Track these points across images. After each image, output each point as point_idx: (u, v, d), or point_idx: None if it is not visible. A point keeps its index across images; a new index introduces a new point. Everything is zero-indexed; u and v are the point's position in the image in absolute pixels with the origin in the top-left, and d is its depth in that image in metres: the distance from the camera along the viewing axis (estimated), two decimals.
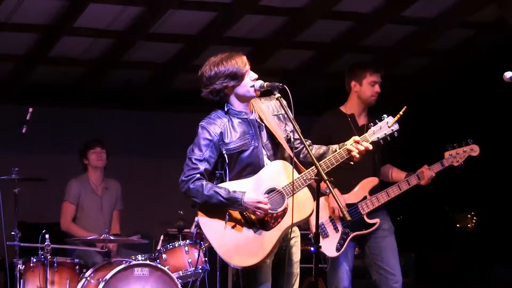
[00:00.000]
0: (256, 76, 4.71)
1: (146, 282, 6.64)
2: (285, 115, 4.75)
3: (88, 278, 6.69)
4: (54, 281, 6.73)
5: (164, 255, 6.87)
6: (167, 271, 6.69)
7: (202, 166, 4.62)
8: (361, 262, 6.31)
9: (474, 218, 9.70)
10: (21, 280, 6.70)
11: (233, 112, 4.71)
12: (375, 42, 8.89)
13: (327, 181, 4.44)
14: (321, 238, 5.85)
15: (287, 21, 8.42)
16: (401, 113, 4.80)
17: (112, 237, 6.96)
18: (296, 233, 4.78)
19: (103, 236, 6.88)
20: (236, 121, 4.69)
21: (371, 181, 5.98)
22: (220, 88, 4.66)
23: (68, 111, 9.72)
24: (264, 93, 4.78)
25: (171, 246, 6.89)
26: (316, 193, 4.52)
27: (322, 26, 8.49)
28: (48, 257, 6.66)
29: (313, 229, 5.88)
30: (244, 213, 4.61)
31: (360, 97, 6.06)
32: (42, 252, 6.70)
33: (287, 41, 8.78)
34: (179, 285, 6.67)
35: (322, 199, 5.87)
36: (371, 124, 4.80)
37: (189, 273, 6.87)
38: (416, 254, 8.68)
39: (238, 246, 4.59)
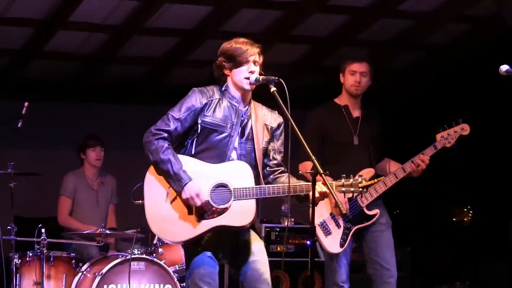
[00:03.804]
0: (254, 69, 4.75)
1: (143, 276, 6.65)
2: (276, 132, 4.84)
3: (84, 272, 6.70)
4: (51, 275, 6.75)
5: (160, 249, 6.89)
6: (164, 265, 6.70)
7: (174, 125, 4.72)
8: (358, 256, 6.31)
9: (470, 212, 9.71)
10: (17, 275, 6.70)
11: (227, 95, 4.79)
12: (371, 36, 8.88)
13: (322, 174, 4.45)
14: (323, 236, 5.86)
15: (283, 15, 8.40)
16: (375, 181, 4.93)
17: (108, 231, 6.98)
18: (249, 230, 4.77)
19: (99, 230, 6.90)
20: (225, 103, 4.77)
21: (368, 173, 5.94)
22: (219, 65, 4.79)
23: (63, 106, 9.69)
24: (261, 89, 4.79)
25: None
26: (312, 187, 4.52)
27: (318, 20, 8.48)
28: (44, 251, 6.67)
29: (316, 224, 5.88)
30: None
31: (345, 87, 6.10)
32: (38, 247, 6.71)
33: (282, 35, 8.77)
34: (175, 279, 6.68)
35: None
36: (344, 175, 4.80)
37: (185, 267, 6.87)
38: (412, 248, 8.69)
39: (166, 218, 4.66)
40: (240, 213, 4.64)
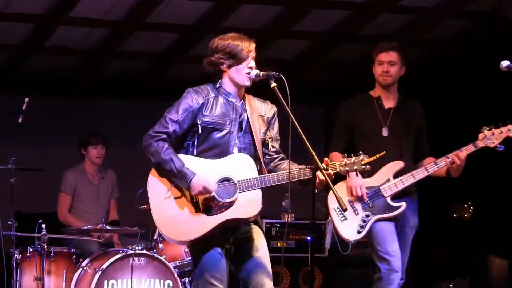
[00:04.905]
0: (254, 65, 4.74)
1: (143, 271, 6.66)
2: (271, 121, 4.84)
3: (85, 268, 6.71)
4: (51, 270, 6.75)
5: (160, 245, 6.88)
6: (164, 260, 6.70)
7: (172, 128, 4.70)
8: (360, 252, 6.27)
9: (471, 208, 9.69)
10: (18, 270, 6.71)
11: (222, 91, 4.77)
12: (372, 31, 8.86)
13: (323, 170, 4.45)
14: (339, 221, 5.79)
15: (284, 10, 8.40)
16: (377, 156, 4.75)
17: (108, 227, 6.99)
18: (251, 225, 4.76)
19: (99, 225, 6.90)
20: (221, 100, 4.75)
21: (396, 165, 5.87)
22: (215, 62, 4.74)
23: (64, 101, 9.70)
24: (261, 84, 4.78)
25: None
26: (312, 183, 4.52)
27: (319, 15, 8.47)
28: (45, 246, 6.68)
29: (331, 213, 5.81)
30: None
31: (376, 78, 6.05)
32: (38, 242, 6.71)
33: (283, 31, 8.77)
34: (176, 275, 6.69)
35: (340, 182, 5.81)
36: (345, 155, 4.73)
37: (185, 262, 6.89)
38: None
39: (174, 218, 4.63)
40: (247, 205, 4.62)
